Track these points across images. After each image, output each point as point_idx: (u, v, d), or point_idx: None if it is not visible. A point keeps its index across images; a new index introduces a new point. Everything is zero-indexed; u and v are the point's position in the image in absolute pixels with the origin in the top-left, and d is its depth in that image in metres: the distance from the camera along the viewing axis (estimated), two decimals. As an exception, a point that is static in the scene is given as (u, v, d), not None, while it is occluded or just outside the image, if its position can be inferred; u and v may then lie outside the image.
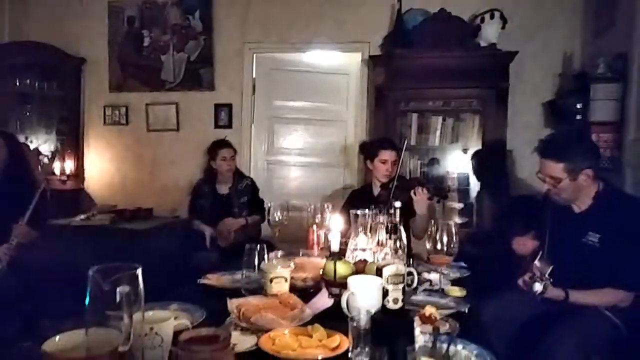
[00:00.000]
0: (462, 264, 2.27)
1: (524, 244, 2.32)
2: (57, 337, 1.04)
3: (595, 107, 3.07)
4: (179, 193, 4.36)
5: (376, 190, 2.99)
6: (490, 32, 3.64)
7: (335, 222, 1.44)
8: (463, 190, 3.91)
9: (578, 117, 3.17)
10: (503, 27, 3.66)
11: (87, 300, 0.92)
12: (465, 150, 3.92)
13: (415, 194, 2.56)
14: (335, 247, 1.41)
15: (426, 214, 2.63)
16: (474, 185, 3.89)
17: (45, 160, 4.37)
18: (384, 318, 1.37)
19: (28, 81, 4.34)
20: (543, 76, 3.86)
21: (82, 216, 3.87)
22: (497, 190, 3.65)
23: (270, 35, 4.30)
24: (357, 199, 2.92)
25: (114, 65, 4.50)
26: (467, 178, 3.91)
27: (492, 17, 3.63)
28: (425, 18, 3.82)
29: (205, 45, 4.34)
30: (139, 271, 0.93)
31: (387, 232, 1.58)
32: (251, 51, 4.35)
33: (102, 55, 4.52)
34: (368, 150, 3.20)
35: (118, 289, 0.91)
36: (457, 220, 3.51)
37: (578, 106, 3.18)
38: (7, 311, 2.46)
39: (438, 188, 2.73)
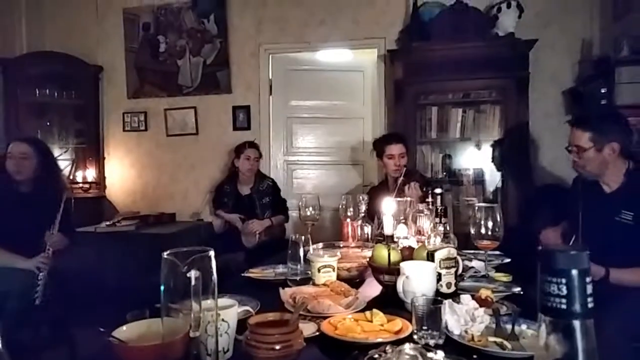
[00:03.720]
0: (498, 252, 2.24)
1: (547, 237, 2.30)
2: (124, 327, 1.04)
3: (622, 91, 3.04)
4: (201, 197, 4.38)
5: (392, 185, 2.97)
6: (507, 22, 3.61)
7: (387, 205, 1.42)
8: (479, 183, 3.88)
9: (603, 101, 3.13)
10: (519, 17, 3.64)
11: (161, 286, 0.91)
12: (478, 146, 3.88)
13: (409, 188, 2.57)
14: (388, 230, 1.39)
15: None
16: (490, 179, 3.85)
17: (67, 169, 4.38)
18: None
19: (47, 91, 4.35)
20: (562, 64, 3.83)
21: (107, 223, 3.88)
22: (520, 181, 3.61)
23: (285, 35, 4.30)
24: (376, 196, 2.91)
25: (131, 72, 4.52)
26: (482, 173, 3.87)
27: (508, 6, 3.61)
28: (442, 10, 3.80)
29: (221, 48, 4.34)
30: (212, 254, 0.92)
31: (436, 216, 1.56)
32: (267, 52, 4.35)
33: (119, 62, 4.54)
34: (377, 148, 3.20)
35: (190, 273, 0.91)
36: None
37: (602, 91, 3.14)
38: (43, 317, 2.47)
39: (427, 181, 2.71)
